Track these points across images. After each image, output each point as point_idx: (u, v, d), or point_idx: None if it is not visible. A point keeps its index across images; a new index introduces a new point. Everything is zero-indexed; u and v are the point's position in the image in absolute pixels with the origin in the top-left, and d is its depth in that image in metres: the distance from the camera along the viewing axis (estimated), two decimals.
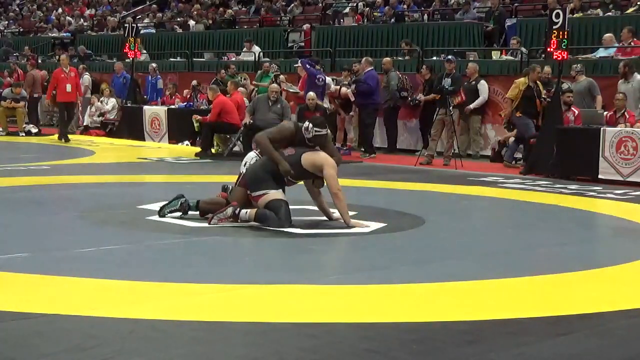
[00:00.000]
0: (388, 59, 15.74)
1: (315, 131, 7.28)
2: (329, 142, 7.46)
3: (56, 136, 16.99)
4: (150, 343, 3.83)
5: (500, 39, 17.63)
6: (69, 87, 16.45)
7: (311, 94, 13.90)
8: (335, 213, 7.52)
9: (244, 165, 7.42)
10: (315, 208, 7.53)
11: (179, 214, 7.29)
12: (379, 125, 15.55)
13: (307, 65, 14.70)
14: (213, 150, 14.41)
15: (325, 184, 7.20)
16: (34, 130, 18.40)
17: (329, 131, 7.45)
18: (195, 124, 14.51)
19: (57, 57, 24.76)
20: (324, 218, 7.42)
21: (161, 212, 7.31)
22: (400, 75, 15.53)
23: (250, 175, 7.21)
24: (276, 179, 7.14)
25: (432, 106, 14.70)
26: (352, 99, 15.03)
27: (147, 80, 19.21)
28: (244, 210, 7.01)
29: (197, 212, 7.32)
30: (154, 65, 19.72)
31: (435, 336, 4.08)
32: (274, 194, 7.07)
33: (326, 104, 15.13)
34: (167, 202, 7.39)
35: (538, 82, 13.08)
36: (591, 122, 12.00)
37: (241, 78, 17.55)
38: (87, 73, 20.63)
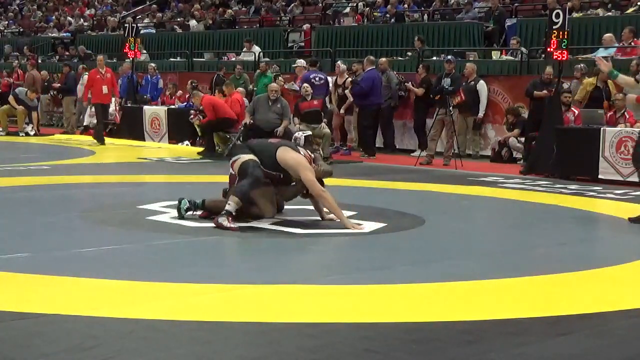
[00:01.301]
0: (384, 59, 15.73)
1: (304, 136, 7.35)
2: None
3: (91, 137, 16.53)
4: (150, 343, 3.83)
5: (500, 39, 17.64)
6: (105, 89, 16.09)
7: (306, 85, 13.93)
8: (331, 214, 7.54)
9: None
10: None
11: (191, 212, 7.29)
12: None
13: (299, 83, 14.69)
14: (219, 150, 14.42)
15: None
16: (32, 132, 18.33)
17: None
18: (197, 128, 14.59)
19: (55, 55, 24.81)
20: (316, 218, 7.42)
21: (180, 215, 7.28)
22: (396, 74, 15.55)
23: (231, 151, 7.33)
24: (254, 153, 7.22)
25: (424, 106, 14.77)
26: (350, 99, 15.04)
27: (146, 80, 19.20)
28: (227, 205, 6.96)
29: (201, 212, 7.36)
30: (153, 65, 19.73)
31: (435, 336, 4.08)
32: (244, 157, 7.14)
33: (329, 105, 15.15)
34: (177, 206, 7.35)
35: (609, 82, 12.93)
36: (591, 122, 12.00)
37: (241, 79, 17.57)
38: (86, 73, 20.60)
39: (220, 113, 13.89)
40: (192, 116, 14.94)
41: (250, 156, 7.15)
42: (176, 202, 7.40)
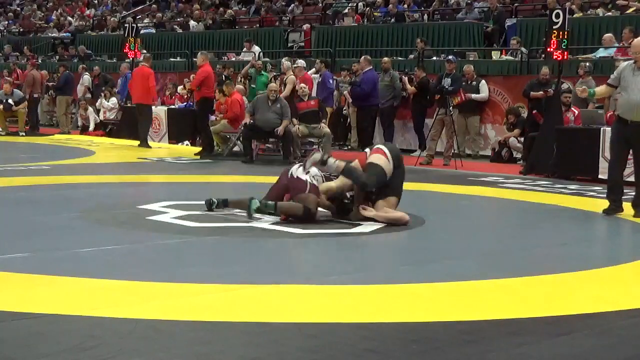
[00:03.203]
0: (387, 58, 15.77)
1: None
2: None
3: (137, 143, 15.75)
4: (150, 343, 3.83)
5: (500, 39, 17.65)
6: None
7: (303, 85, 14.00)
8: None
9: (306, 174, 7.35)
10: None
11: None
12: (378, 124, 15.57)
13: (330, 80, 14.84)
14: (219, 150, 14.43)
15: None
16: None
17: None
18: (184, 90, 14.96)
19: (55, 55, 24.78)
20: (324, 218, 7.41)
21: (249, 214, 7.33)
22: (397, 73, 15.59)
23: None
24: None
25: (420, 107, 14.79)
26: (350, 100, 15.05)
27: None
28: (332, 159, 7.16)
29: (224, 209, 7.53)
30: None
31: (435, 336, 4.08)
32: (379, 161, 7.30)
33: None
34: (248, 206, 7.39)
35: None
36: (591, 122, 12.00)
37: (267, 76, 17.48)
38: (86, 73, 20.62)
39: (204, 90, 14.03)
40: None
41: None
42: (177, 202, 7.40)
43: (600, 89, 8.79)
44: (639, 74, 8.03)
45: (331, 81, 14.99)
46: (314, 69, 16.10)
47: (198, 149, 14.70)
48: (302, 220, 7.11)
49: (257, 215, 7.43)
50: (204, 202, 7.57)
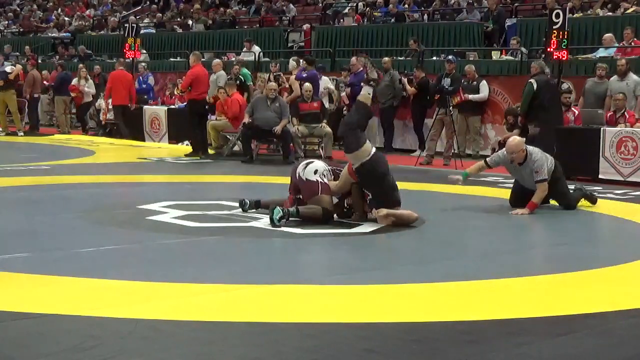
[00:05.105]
0: (387, 58, 15.76)
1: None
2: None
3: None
4: (150, 343, 3.83)
5: (500, 39, 17.64)
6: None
7: (307, 85, 13.96)
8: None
9: (315, 174, 7.32)
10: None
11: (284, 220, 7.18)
12: (378, 124, 15.56)
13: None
14: (210, 151, 14.39)
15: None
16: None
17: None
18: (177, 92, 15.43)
19: (56, 55, 24.76)
20: None
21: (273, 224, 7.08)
22: (397, 73, 15.58)
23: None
24: None
25: (420, 107, 14.77)
26: (347, 102, 15.03)
27: (138, 80, 19.16)
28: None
29: (256, 209, 7.55)
30: (143, 64, 19.72)
31: (435, 336, 4.09)
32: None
33: (326, 103, 15.19)
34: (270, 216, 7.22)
35: None
36: (591, 122, 12.00)
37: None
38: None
39: (195, 92, 13.92)
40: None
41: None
42: (177, 202, 7.39)
43: (474, 167, 8.96)
44: (519, 168, 8.44)
45: (319, 82, 14.98)
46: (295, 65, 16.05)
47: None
48: (322, 222, 7.12)
49: (257, 215, 7.44)
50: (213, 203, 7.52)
